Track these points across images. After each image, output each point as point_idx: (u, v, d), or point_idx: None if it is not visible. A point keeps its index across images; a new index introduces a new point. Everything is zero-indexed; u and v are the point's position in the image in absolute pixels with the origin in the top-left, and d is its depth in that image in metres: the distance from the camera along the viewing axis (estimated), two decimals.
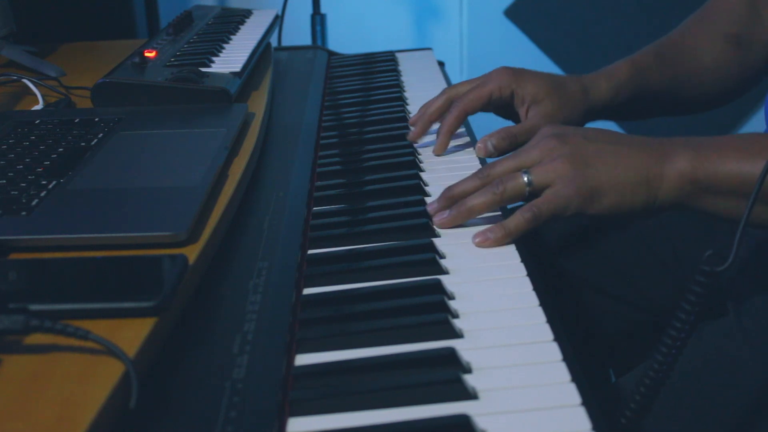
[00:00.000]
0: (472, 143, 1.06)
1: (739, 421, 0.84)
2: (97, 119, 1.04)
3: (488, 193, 0.82)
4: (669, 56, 1.12)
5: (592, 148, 0.80)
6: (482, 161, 1.01)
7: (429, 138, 1.09)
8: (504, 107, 1.07)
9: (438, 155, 1.04)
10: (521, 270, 0.75)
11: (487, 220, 0.84)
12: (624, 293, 1.13)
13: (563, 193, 0.79)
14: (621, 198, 0.79)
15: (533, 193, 0.81)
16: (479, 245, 0.79)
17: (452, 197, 0.84)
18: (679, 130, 2.52)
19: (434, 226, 0.83)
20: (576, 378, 0.60)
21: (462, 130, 1.11)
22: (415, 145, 1.06)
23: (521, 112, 1.04)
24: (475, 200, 0.82)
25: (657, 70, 1.10)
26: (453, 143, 1.06)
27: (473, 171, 0.96)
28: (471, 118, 1.15)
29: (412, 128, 1.08)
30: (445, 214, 0.83)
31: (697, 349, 0.88)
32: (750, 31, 1.12)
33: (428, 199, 0.89)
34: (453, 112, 1.03)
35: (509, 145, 0.99)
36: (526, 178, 0.81)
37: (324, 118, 1.19)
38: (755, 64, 1.13)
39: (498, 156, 0.99)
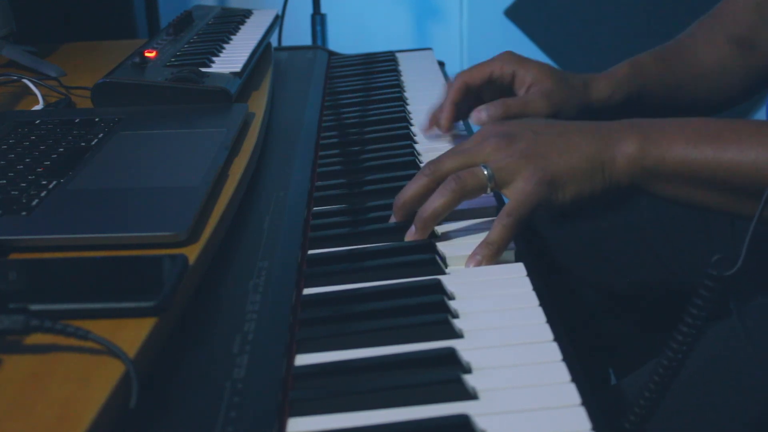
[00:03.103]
0: None
1: (743, 422, 0.83)
2: (97, 119, 1.04)
3: (446, 191, 0.79)
4: (671, 58, 1.12)
5: (544, 141, 0.80)
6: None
7: (430, 138, 1.09)
8: (505, 91, 1.07)
9: (446, 132, 1.06)
10: (521, 270, 0.75)
11: (485, 224, 0.84)
12: (624, 293, 1.13)
13: (528, 189, 0.78)
14: (580, 186, 0.79)
15: (493, 189, 0.80)
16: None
17: (404, 205, 0.83)
18: None
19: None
20: (576, 378, 0.60)
21: (461, 128, 1.12)
22: (416, 145, 1.06)
23: (521, 92, 1.04)
24: (435, 203, 0.80)
25: (657, 71, 1.10)
26: (451, 141, 1.07)
27: None
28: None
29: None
30: (412, 228, 0.81)
31: (700, 350, 0.88)
32: (755, 34, 1.11)
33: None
34: (455, 84, 1.05)
35: (502, 114, 0.99)
36: (486, 172, 0.79)
37: (324, 118, 1.20)
38: (761, 67, 1.12)
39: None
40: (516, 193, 0.78)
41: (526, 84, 1.04)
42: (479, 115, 1.00)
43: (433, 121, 1.08)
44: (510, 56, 1.06)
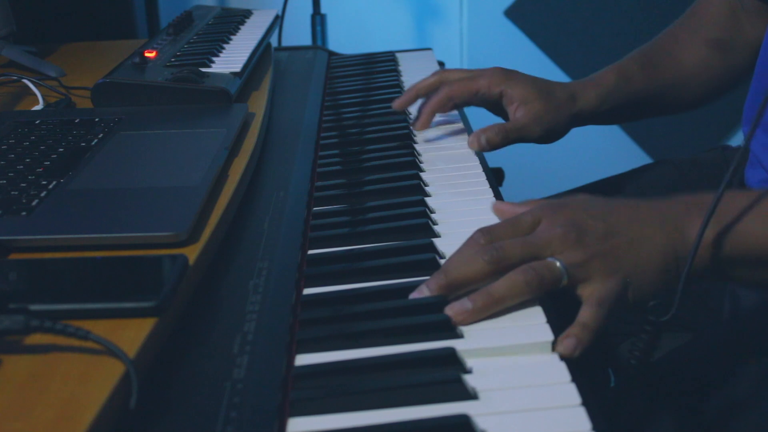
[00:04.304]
0: None
1: (736, 422, 0.84)
2: (97, 119, 1.04)
3: (521, 282, 0.68)
4: (654, 62, 1.14)
5: (615, 235, 0.72)
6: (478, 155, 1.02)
7: (430, 138, 1.09)
8: (492, 105, 1.10)
9: (417, 131, 1.09)
10: None
11: None
12: None
13: (605, 292, 0.70)
14: (655, 283, 0.73)
15: (566, 286, 0.71)
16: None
17: (455, 285, 0.70)
18: (674, 127, 2.52)
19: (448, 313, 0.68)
20: (576, 378, 0.60)
21: (460, 126, 1.12)
22: (416, 145, 1.06)
23: (510, 110, 1.06)
24: (508, 291, 0.68)
25: (642, 76, 1.12)
26: (451, 140, 1.07)
27: (473, 171, 0.97)
28: (470, 117, 1.16)
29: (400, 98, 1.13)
30: (468, 304, 0.67)
31: (693, 350, 0.88)
32: (731, 36, 1.14)
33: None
34: (439, 95, 1.07)
35: (502, 141, 1.01)
36: (560, 267, 0.70)
37: (324, 118, 1.20)
38: (738, 66, 1.15)
39: (490, 150, 1.01)
40: (592, 297, 0.70)
41: (514, 102, 1.05)
42: (478, 141, 1.01)
43: (407, 101, 1.11)
44: (498, 74, 1.06)
